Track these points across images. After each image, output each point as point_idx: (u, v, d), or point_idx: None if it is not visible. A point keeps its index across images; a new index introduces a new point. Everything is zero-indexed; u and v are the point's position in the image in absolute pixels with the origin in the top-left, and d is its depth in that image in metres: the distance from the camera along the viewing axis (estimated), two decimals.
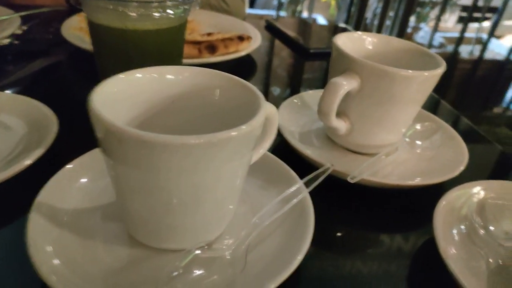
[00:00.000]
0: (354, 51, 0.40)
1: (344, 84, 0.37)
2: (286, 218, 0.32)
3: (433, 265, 0.33)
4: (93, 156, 0.34)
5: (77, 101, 0.46)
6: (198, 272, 0.26)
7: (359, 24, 2.09)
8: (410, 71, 0.37)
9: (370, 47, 0.44)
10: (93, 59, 0.45)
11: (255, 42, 0.68)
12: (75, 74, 0.61)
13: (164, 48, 0.42)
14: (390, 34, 2.25)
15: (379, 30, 2.26)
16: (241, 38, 0.62)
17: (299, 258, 0.27)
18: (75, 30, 0.62)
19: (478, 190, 0.38)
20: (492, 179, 0.39)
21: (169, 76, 0.31)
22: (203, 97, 0.31)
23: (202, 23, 0.73)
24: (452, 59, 2.38)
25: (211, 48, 0.58)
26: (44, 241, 0.26)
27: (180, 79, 0.31)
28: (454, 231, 0.34)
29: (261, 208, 0.31)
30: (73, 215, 0.30)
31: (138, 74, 0.29)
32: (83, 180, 0.33)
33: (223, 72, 0.31)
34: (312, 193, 0.33)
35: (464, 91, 2.34)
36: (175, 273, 0.24)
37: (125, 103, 0.28)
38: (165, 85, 0.30)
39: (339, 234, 0.36)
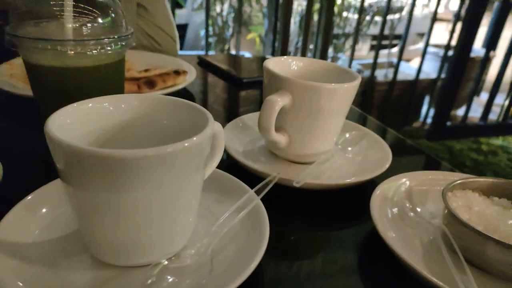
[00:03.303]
0: (283, 72, 0.45)
1: (278, 100, 0.41)
2: (243, 224, 0.34)
3: (377, 251, 0.37)
4: (47, 190, 0.35)
5: (22, 148, 0.45)
6: (170, 279, 0.27)
7: None
8: (332, 84, 0.42)
9: (295, 68, 0.50)
10: (28, 104, 0.45)
11: (191, 75, 0.71)
12: (14, 121, 0.59)
13: (105, 84, 0.43)
14: None
15: None
16: (177, 72, 0.65)
17: (258, 257, 0.29)
18: (6, 77, 0.61)
19: (404, 181, 0.43)
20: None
21: (118, 104, 0.32)
22: (152, 121, 0.33)
23: (137, 62, 0.75)
24: (370, 82, 2.61)
25: (150, 83, 0.60)
26: (6, 273, 0.26)
27: (129, 106, 0.33)
28: (389, 216, 0.39)
29: (218, 218, 0.34)
30: (34, 246, 0.30)
31: (89, 104, 0.31)
32: (43, 210, 0.34)
33: (168, 96, 0.34)
34: (262, 201, 0.36)
35: (384, 110, 2.56)
36: (150, 281, 0.26)
37: (77, 131, 0.30)
38: (114, 113, 0.32)
39: (289, 234, 0.39)
